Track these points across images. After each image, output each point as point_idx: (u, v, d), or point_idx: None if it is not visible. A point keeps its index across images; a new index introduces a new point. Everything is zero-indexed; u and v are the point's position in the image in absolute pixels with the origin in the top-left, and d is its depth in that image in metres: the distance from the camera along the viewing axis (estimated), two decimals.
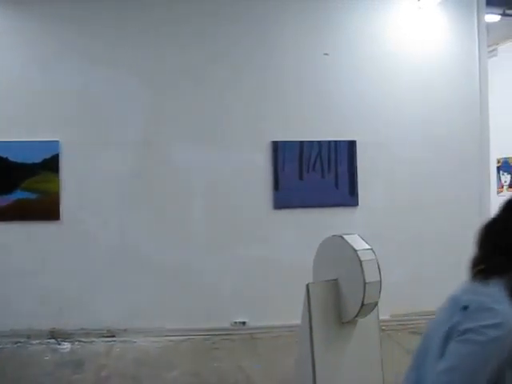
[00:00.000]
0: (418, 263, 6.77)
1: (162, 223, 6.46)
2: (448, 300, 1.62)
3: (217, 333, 6.31)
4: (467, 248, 6.74)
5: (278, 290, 6.41)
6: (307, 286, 3.39)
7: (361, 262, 3.28)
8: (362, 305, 3.31)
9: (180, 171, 6.51)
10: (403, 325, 6.55)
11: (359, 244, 3.42)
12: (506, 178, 9.37)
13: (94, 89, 6.43)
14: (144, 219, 6.43)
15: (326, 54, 6.68)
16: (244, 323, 6.51)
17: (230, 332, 6.41)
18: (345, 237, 3.49)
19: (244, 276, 6.50)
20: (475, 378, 1.40)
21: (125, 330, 6.25)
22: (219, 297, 6.43)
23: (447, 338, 1.48)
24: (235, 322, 6.50)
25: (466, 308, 1.48)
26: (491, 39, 8.30)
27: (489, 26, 7.56)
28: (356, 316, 3.39)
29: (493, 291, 1.51)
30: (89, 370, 5.26)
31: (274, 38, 6.68)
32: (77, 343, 6.05)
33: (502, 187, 9.44)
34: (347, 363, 3.48)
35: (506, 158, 9.28)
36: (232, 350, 5.86)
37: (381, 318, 3.74)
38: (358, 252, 3.33)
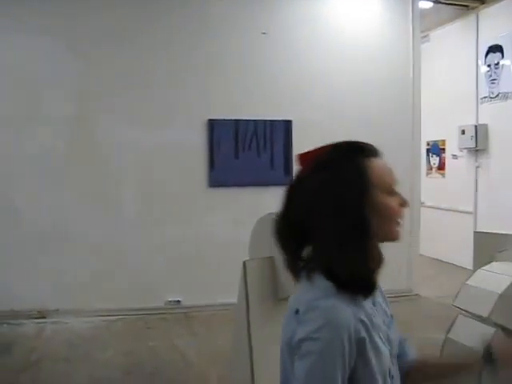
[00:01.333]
0: None
1: (95, 201, 6.32)
2: (288, 305, 1.43)
3: (151, 312, 6.27)
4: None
5: (212, 269, 6.42)
6: (244, 263, 3.37)
7: None
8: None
9: (113, 148, 6.37)
10: None
11: None
12: (434, 160, 9.67)
13: (23, 61, 6.17)
14: (75, 197, 6.26)
15: (264, 33, 6.66)
16: (178, 302, 6.48)
17: (164, 311, 6.38)
18: None
19: (179, 254, 6.46)
20: None
21: (56, 311, 6.10)
22: (153, 276, 6.38)
23: (290, 350, 1.34)
24: (169, 301, 6.47)
25: (297, 312, 1.33)
26: (424, 25, 8.50)
27: (422, 12, 7.73)
28: (292, 293, 3.41)
29: (317, 286, 1.35)
30: (18, 353, 5.08)
31: (210, 16, 6.60)
32: (5, 325, 5.85)
33: (431, 169, 9.75)
34: None
35: (435, 141, 9.58)
36: (166, 329, 5.82)
37: None
38: None
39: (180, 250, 6.46)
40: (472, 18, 8.62)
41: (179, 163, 6.50)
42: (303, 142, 6.76)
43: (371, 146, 1.49)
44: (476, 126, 8.35)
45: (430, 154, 9.75)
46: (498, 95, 8.12)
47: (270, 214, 3.69)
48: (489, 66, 8.31)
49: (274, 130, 6.68)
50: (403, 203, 1.48)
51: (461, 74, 8.89)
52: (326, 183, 1.38)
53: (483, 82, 8.42)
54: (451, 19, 9.09)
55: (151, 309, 6.31)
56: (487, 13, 8.34)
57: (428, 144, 9.66)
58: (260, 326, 3.41)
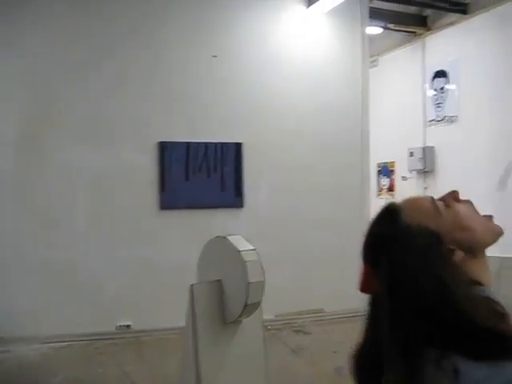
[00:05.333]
0: (301, 264, 6.96)
1: (43, 225, 6.19)
2: None
3: (100, 337, 6.14)
4: (348, 250, 6.96)
5: (162, 292, 6.34)
6: (191, 286, 3.37)
7: (244, 262, 3.30)
8: (246, 305, 3.32)
9: (64, 170, 6.28)
10: (287, 324, 6.70)
11: (243, 245, 3.44)
12: (385, 181, 9.86)
13: None
14: (22, 220, 6.12)
15: (215, 56, 6.71)
16: (128, 326, 6.39)
17: (114, 336, 6.27)
18: (229, 238, 3.49)
19: (128, 278, 6.38)
20: None
21: (0, 339, 5.92)
22: (103, 300, 6.27)
23: None
24: (120, 326, 6.36)
25: None
26: (373, 50, 8.73)
27: (371, 37, 7.95)
28: (239, 316, 3.40)
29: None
30: None
31: (160, 37, 6.62)
32: None
33: (382, 190, 9.93)
34: (231, 363, 3.50)
35: (385, 163, 9.77)
36: (116, 355, 5.72)
37: (266, 317, 3.80)
38: (242, 253, 3.35)
39: (130, 273, 6.38)
40: (419, 44, 8.91)
41: (130, 185, 6.44)
42: (254, 165, 6.87)
43: None
44: (424, 148, 8.58)
45: (380, 176, 9.94)
46: (443, 118, 8.37)
47: (217, 237, 3.71)
48: (435, 90, 8.58)
49: (225, 153, 6.71)
50: (453, 197, 1.31)
51: (408, 98, 9.14)
52: None
53: (430, 105, 8.68)
54: (399, 45, 9.37)
55: (101, 334, 6.19)
56: (433, 39, 8.63)
57: (378, 166, 9.85)
58: (207, 350, 3.40)
